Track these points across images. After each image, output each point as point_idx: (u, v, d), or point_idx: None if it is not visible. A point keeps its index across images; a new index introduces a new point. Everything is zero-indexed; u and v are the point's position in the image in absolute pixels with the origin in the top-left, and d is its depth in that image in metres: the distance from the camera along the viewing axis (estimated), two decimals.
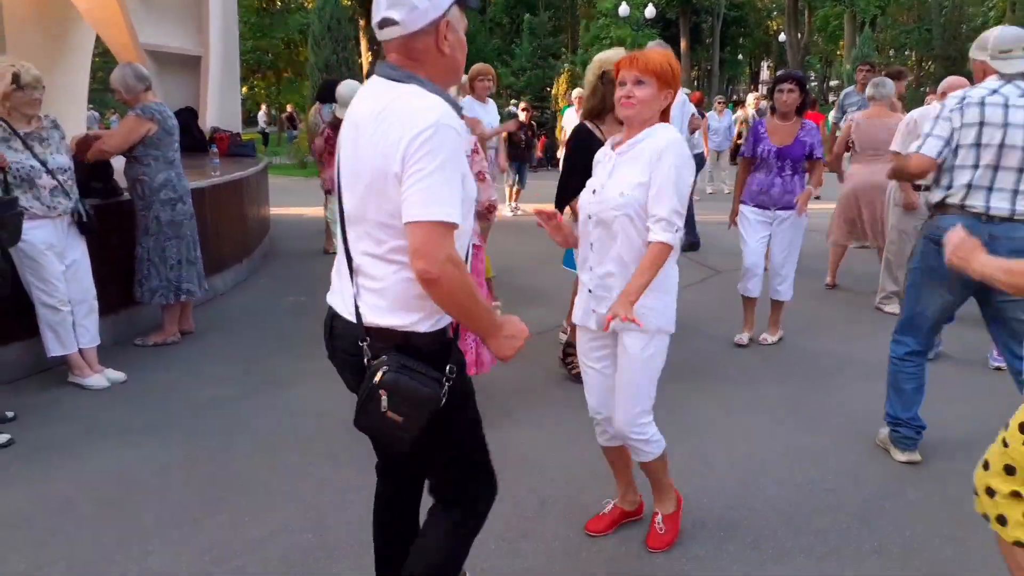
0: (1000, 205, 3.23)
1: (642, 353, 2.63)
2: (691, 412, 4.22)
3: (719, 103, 15.25)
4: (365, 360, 1.86)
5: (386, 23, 1.80)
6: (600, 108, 4.07)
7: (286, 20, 28.19)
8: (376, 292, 1.85)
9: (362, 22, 27.18)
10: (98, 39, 10.35)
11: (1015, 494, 1.98)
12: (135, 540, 2.99)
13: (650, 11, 32.60)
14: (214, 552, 2.92)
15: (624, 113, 2.59)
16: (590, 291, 2.70)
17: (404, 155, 1.69)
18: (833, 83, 42.57)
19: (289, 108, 27.39)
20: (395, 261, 1.81)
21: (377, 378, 1.80)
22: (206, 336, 5.55)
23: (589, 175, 2.79)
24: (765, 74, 54.16)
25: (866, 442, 3.84)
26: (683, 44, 38.99)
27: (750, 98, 18.17)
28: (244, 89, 27.44)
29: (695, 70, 44.78)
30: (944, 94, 5.11)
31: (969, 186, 3.27)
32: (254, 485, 3.43)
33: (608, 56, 4.13)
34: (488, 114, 7.85)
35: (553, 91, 23.40)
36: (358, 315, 1.87)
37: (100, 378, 4.57)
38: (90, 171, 5.03)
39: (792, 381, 4.70)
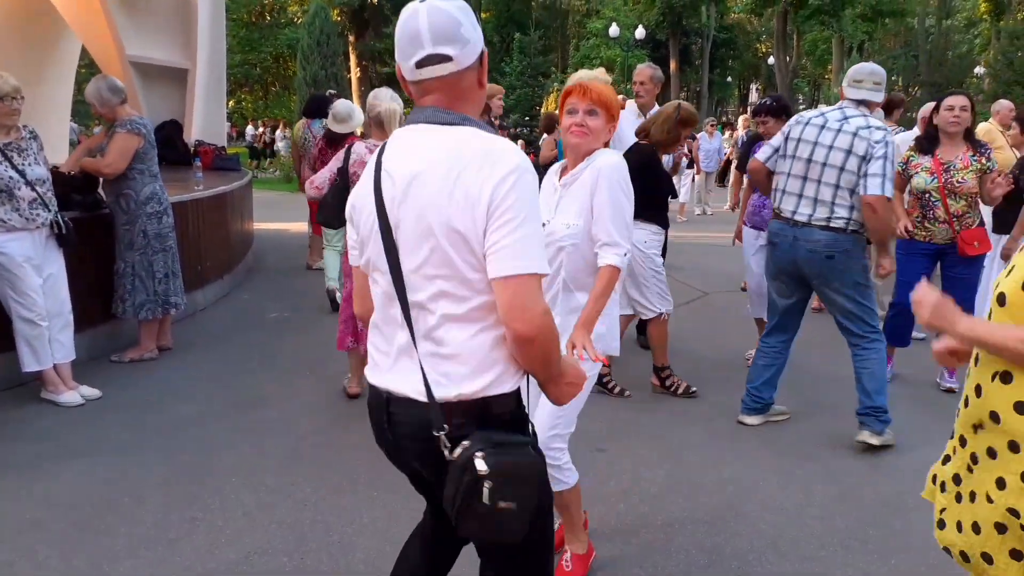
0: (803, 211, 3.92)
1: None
2: (677, 434, 4.19)
3: (710, 125, 15.37)
4: (445, 450, 1.59)
5: (435, 60, 1.62)
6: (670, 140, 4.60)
7: (275, 34, 28.22)
8: (450, 359, 1.63)
9: (351, 37, 27.24)
10: (84, 51, 10.30)
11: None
12: (106, 562, 2.91)
13: (640, 32, 32.92)
14: (189, 575, 2.84)
15: (574, 141, 2.59)
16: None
17: (489, 205, 1.55)
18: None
19: (262, 128, 26.86)
20: (476, 320, 1.63)
21: (480, 469, 1.53)
22: (185, 352, 5.47)
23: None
24: (754, 96, 54.60)
25: (853, 467, 3.81)
26: (672, 65, 39.29)
27: (740, 120, 18.30)
28: (231, 103, 27.39)
29: (684, 91, 45.09)
30: (925, 119, 5.22)
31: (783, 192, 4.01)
32: (232, 506, 3.35)
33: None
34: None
35: (543, 110, 23.51)
36: (429, 392, 1.62)
37: (74, 395, 4.48)
38: (73, 183, 4.98)
39: (780, 404, 4.66)
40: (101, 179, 5.09)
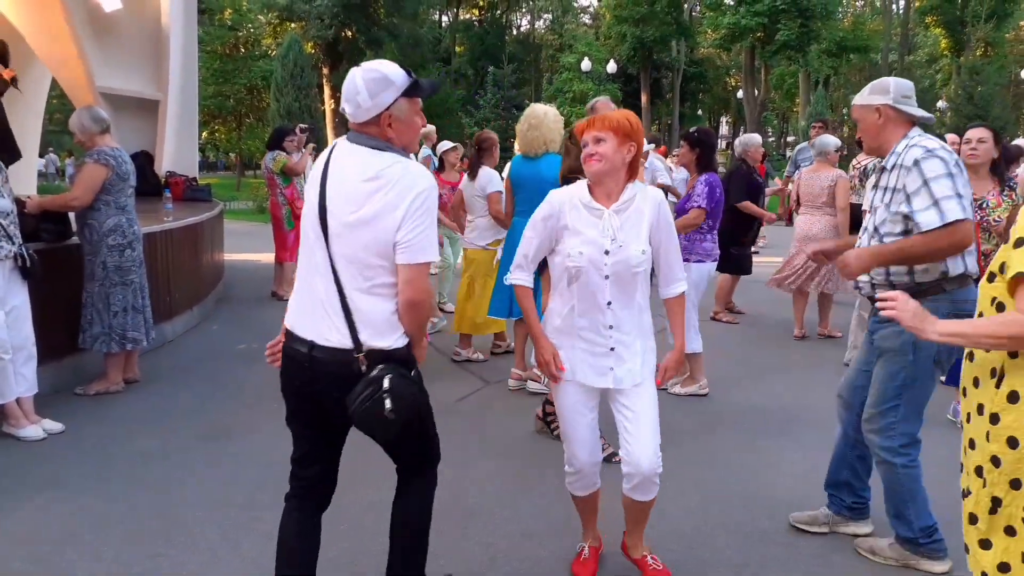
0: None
1: (655, 392, 2.84)
2: None
3: (676, 156, 15.61)
4: (364, 369, 2.25)
5: (344, 111, 2.35)
6: (578, 165, 4.29)
7: (249, 66, 28.24)
8: (366, 320, 2.27)
9: (325, 70, 27.35)
10: (55, 81, 10.25)
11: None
12: None
13: (612, 66, 33.43)
14: None
15: (592, 170, 2.70)
16: (612, 349, 2.76)
17: (406, 213, 2.21)
18: (790, 139, 43.80)
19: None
20: (379, 295, 2.28)
21: (385, 384, 2.21)
22: (152, 385, 5.40)
23: None
24: (724, 129, 55.50)
25: (820, 492, 3.83)
26: (644, 99, 39.89)
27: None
28: (204, 134, 27.31)
29: (655, 124, 45.72)
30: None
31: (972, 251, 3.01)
32: (196, 540, 3.30)
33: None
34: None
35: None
36: (355, 338, 2.26)
37: (36, 428, 4.39)
38: (42, 215, 4.93)
39: (749, 430, 4.71)
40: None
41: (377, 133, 2.31)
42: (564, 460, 2.95)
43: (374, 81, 2.28)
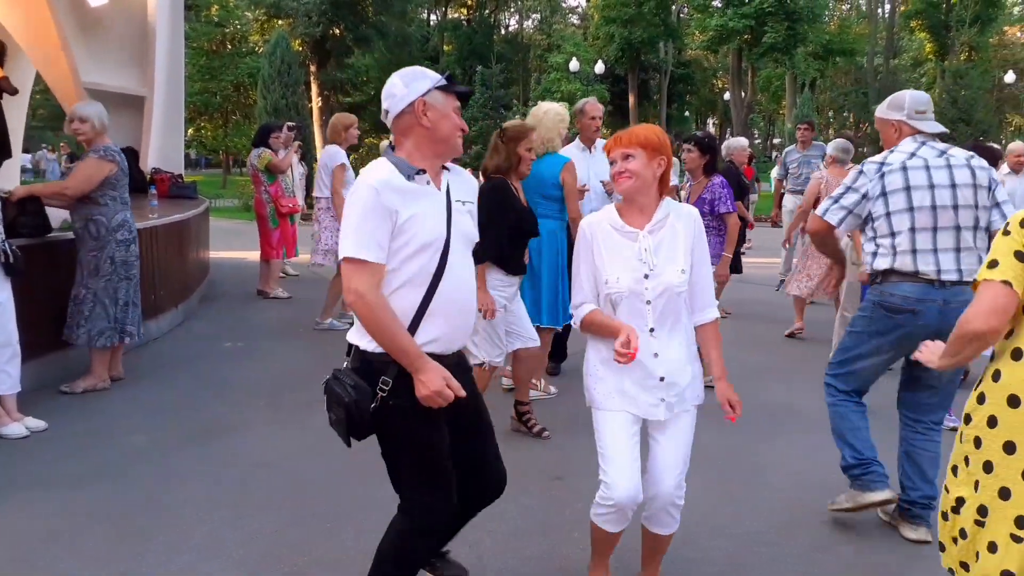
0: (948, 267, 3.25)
1: (694, 422, 2.76)
2: None
3: None
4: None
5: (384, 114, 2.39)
6: (507, 166, 4.31)
7: (236, 63, 28.08)
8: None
9: (313, 67, 27.22)
10: (38, 76, 10.16)
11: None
12: None
13: (599, 67, 33.47)
14: None
15: (623, 188, 2.60)
16: (662, 379, 2.62)
17: None
18: (776, 141, 44.03)
19: None
20: None
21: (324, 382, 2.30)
22: (137, 383, 5.36)
23: (509, 230, 2.84)
24: (711, 130, 55.73)
25: (807, 494, 3.86)
26: (631, 100, 39.95)
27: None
28: (191, 131, 27.12)
29: None
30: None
31: (914, 251, 3.28)
32: (181, 539, 3.27)
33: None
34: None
35: None
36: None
37: (19, 427, 4.35)
38: (20, 207, 4.89)
39: (735, 431, 4.70)
40: (42, 204, 5.03)
41: (408, 130, 2.34)
42: (597, 493, 2.74)
43: (410, 73, 2.39)
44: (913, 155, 3.35)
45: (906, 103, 3.44)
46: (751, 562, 3.21)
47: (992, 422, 2.06)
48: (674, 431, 2.69)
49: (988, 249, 2.97)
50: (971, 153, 3.43)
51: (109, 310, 5.02)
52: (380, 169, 2.28)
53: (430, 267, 2.29)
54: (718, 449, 4.42)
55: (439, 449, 2.36)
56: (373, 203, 2.22)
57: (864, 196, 3.38)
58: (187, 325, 7.15)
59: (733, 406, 2.68)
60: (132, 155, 9.18)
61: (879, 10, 47.61)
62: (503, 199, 4.24)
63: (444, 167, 2.46)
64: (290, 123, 9.36)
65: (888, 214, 3.33)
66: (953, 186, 3.28)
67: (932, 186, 3.28)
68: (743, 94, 39.04)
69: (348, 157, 7.25)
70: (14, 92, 6.31)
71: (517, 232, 4.33)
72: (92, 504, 3.58)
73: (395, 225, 2.23)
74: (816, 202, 6.91)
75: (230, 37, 29.39)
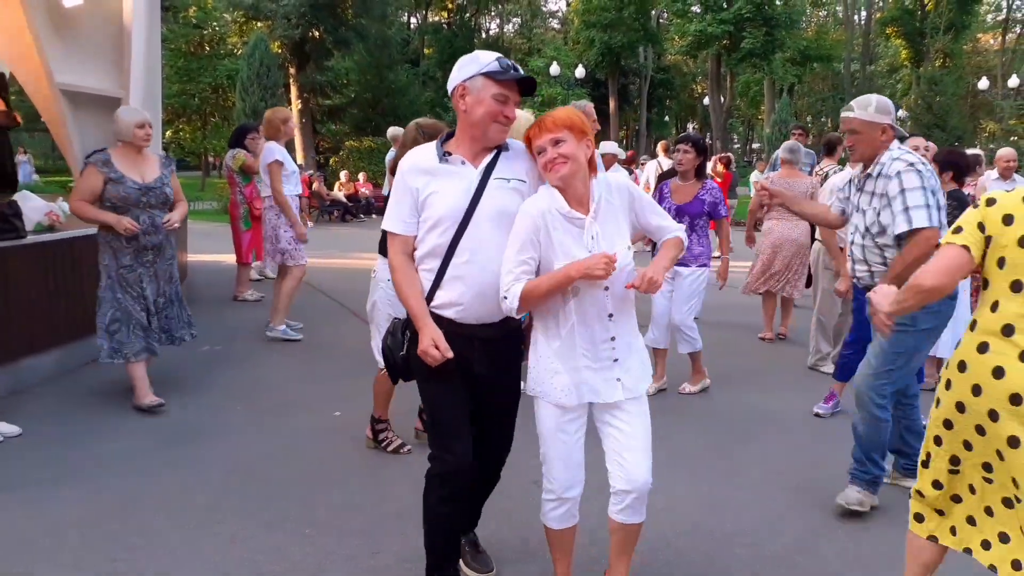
0: None
1: (647, 408, 2.75)
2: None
3: (643, 163, 16.19)
4: None
5: None
6: None
7: (214, 65, 27.83)
8: None
9: (292, 69, 27.03)
10: (12, 77, 10.00)
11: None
12: None
13: (580, 72, 33.59)
14: None
15: (560, 174, 2.48)
16: (616, 360, 2.60)
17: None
18: (755, 145, 44.36)
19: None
20: None
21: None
22: (112, 387, 5.29)
23: None
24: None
25: (785, 495, 3.88)
26: (612, 104, 40.15)
27: (659, 146, 18.81)
28: (169, 133, 26.83)
29: (624, 129, 46.02)
30: None
31: None
32: (157, 544, 3.24)
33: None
34: None
35: None
36: None
37: None
38: None
39: (713, 433, 4.74)
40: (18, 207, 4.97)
41: (457, 111, 2.58)
42: (543, 487, 2.73)
43: (466, 57, 2.58)
44: (920, 161, 3.60)
45: (891, 108, 3.74)
46: (729, 563, 3.22)
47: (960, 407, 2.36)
48: (633, 416, 2.66)
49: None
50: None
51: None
52: (416, 151, 2.63)
53: (445, 239, 2.52)
54: (694, 451, 4.44)
55: (442, 405, 2.64)
56: (399, 183, 2.59)
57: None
58: None
59: (647, 281, 2.46)
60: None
61: (855, 17, 48.19)
62: None
63: (500, 147, 2.62)
64: None
65: (939, 207, 3.57)
66: None
67: None
68: (722, 99, 39.37)
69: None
70: (16, 125, 6.22)
71: None
72: (65, 509, 3.53)
73: (417, 202, 2.55)
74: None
75: (208, 39, 29.09)
